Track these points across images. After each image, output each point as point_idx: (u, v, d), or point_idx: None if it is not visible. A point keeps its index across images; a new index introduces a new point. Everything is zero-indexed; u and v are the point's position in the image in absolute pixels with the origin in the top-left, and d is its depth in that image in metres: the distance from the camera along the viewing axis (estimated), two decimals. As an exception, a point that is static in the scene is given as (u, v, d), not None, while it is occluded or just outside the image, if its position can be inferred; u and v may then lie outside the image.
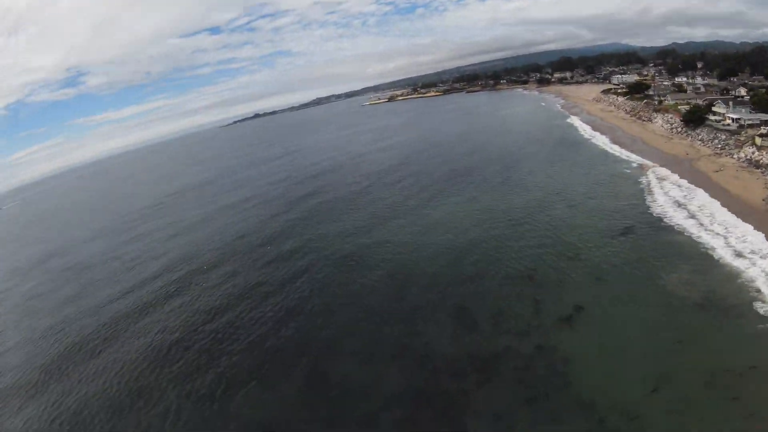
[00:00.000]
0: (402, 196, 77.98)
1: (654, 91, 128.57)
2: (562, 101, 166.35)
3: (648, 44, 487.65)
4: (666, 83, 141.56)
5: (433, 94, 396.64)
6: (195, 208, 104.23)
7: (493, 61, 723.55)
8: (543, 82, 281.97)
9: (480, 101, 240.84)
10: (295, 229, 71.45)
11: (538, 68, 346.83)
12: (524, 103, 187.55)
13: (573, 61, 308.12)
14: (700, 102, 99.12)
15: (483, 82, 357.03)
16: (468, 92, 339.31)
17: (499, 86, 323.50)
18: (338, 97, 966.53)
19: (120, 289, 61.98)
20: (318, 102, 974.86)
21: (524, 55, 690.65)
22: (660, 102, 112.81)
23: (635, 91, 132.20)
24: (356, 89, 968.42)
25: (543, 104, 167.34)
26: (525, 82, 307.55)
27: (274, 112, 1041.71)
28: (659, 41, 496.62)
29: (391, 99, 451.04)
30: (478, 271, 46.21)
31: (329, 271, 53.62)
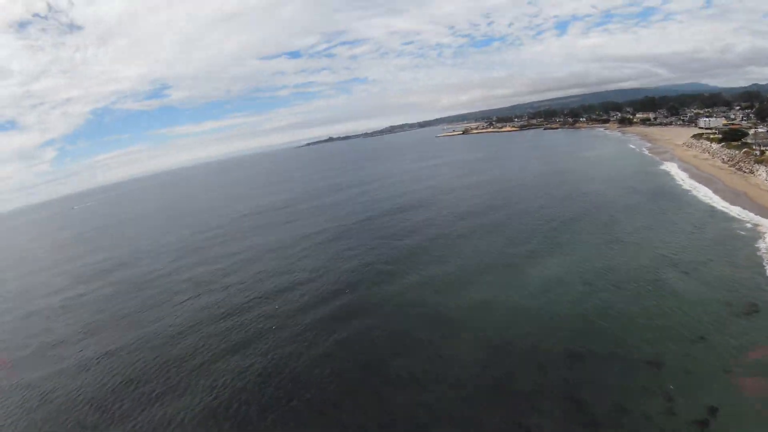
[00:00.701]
0: (493, 246, 71.26)
1: (753, 139, 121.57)
2: (649, 144, 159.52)
3: (728, 85, 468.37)
4: (762, 130, 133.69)
5: (509, 129, 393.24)
6: (266, 234, 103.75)
7: (569, 97, 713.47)
8: (624, 122, 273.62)
9: (560, 140, 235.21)
10: (376, 274, 66.64)
11: (617, 107, 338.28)
12: (609, 144, 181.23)
13: (655, 102, 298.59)
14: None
15: (561, 120, 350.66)
16: (546, 129, 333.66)
17: (578, 124, 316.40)
18: (411, 126, 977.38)
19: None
20: (391, 130, 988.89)
21: (600, 92, 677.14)
22: (762, 152, 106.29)
23: (731, 138, 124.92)
24: (429, 119, 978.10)
25: (631, 146, 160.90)
26: (606, 121, 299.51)
27: (347, 137, 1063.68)
28: (740, 82, 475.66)
29: (465, 132, 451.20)
30: (589, 349, 39.53)
31: (412, 331, 47.61)
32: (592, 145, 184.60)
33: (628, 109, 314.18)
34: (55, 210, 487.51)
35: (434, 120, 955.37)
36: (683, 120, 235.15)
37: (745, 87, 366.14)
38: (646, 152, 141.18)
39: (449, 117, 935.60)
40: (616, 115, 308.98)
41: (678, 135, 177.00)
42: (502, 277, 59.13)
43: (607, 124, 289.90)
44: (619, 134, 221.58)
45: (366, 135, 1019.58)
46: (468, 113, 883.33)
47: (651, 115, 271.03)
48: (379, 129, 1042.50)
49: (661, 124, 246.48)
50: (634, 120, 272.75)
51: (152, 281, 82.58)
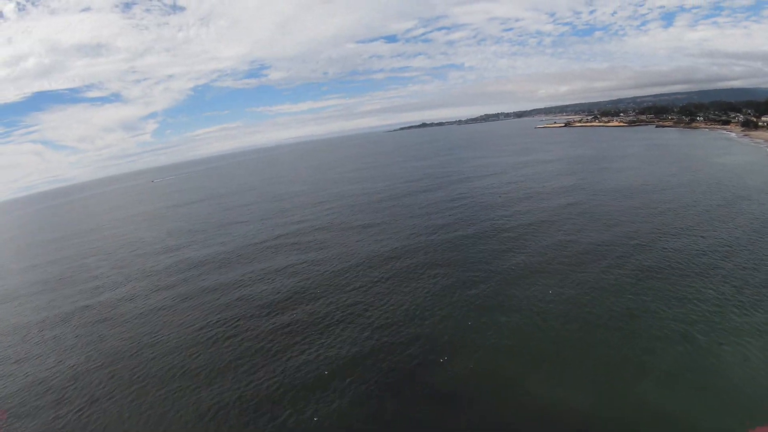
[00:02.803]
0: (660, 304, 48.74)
1: None
2: None
3: None
4: None
5: (616, 123, 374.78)
6: (359, 241, 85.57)
7: (673, 94, 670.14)
8: (749, 125, 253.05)
9: (679, 140, 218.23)
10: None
11: (733, 107, 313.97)
12: (746, 151, 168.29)
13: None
14: None
15: (675, 117, 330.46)
16: (657, 126, 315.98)
17: (695, 124, 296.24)
18: (507, 115, 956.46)
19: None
20: (486, 118, 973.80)
21: (707, 90, 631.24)
22: None
23: None
24: (525, 110, 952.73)
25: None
26: (726, 123, 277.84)
27: (441, 124, 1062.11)
28: None
29: (567, 124, 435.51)
30: None
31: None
32: (724, 149, 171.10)
33: (748, 111, 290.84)
34: (132, 183, 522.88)
35: (531, 110, 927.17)
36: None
37: None
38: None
39: (547, 108, 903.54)
40: (737, 116, 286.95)
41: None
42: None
43: (728, 126, 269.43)
44: (747, 139, 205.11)
45: (460, 122, 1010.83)
46: (567, 105, 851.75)
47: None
48: (474, 117, 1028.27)
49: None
50: (760, 123, 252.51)
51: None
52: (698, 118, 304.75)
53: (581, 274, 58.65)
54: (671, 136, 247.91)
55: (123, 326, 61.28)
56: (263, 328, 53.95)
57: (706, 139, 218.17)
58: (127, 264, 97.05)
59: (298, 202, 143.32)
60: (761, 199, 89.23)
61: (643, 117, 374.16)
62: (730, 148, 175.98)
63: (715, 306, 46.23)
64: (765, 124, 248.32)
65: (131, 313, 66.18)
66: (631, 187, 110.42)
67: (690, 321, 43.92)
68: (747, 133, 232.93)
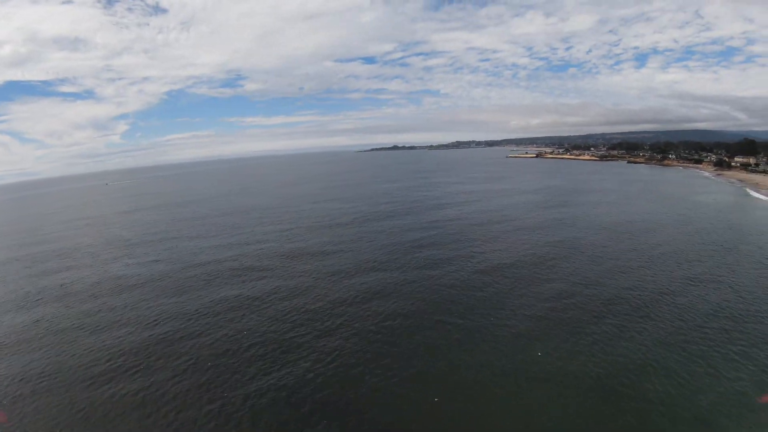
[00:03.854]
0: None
1: None
2: None
3: None
4: None
5: (587, 157, 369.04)
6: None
7: (642, 132, 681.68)
8: (722, 164, 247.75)
9: (654, 177, 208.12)
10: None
11: (702, 147, 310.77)
12: (722, 189, 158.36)
13: (756, 145, 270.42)
14: None
15: (648, 154, 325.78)
16: (629, 162, 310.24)
17: (667, 161, 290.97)
18: (478, 143, 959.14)
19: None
20: (457, 145, 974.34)
21: (675, 130, 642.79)
22: None
23: None
24: (496, 139, 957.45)
25: (754, 194, 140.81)
26: (698, 162, 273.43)
27: (413, 147, 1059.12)
28: None
29: (539, 155, 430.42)
30: None
31: None
32: (703, 187, 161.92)
33: (720, 151, 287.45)
34: (89, 184, 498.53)
35: (502, 140, 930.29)
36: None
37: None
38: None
39: (518, 139, 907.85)
40: (709, 156, 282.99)
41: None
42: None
43: (701, 165, 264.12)
44: (722, 179, 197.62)
45: (431, 147, 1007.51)
46: (538, 137, 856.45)
47: (752, 160, 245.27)
48: (446, 143, 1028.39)
49: (765, 171, 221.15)
50: (733, 163, 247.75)
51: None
52: (670, 156, 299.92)
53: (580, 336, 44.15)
54: (645, 172, 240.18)
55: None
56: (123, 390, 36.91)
57: (682, 177, 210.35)
58: (39, 275, 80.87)
59: (254, 219, 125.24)
60: (757, 241, 79.83)
61: (615, 152, 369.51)
62: (708, 187, 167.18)
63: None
64: (738, 164, 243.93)
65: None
66: (618, 224, 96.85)
67: None
68: (720, 172, 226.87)
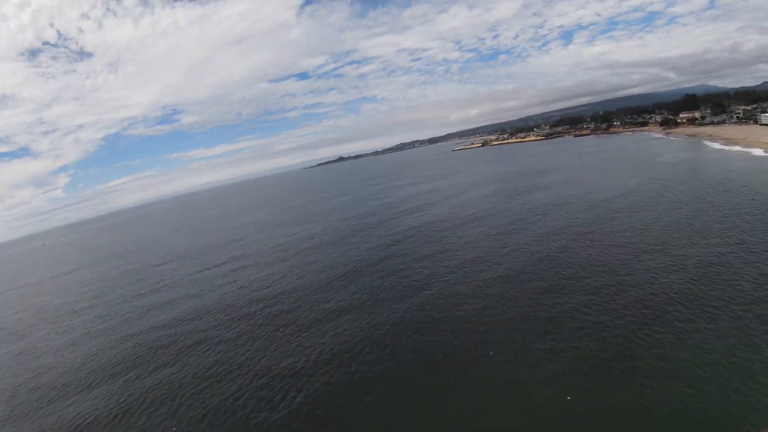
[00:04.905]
0: None
1: None
2: (738, 147, 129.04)
3: (736, 85, 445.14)
4: None
5: (533, 138, 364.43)
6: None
7: (578, 107, 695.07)
8: (669, 123, 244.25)
9: (607, 146, 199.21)
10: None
11: (643, 110, 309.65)
12: (679, 146, 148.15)
13: (697, 100, 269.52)
14: None
15: (592, 125, 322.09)
16: (576, 136, 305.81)
17: (613, 129, 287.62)
18: (422, 142, 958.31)
19: None
20: (402, 147, 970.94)
21: (610, 99, 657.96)
22: None
23: None
24: (439, 135, 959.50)
25: (714, 146, 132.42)
26: (644, 124, 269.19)
27: (358, 156, 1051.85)
28: (747, 81, 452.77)
29: (484, 144, 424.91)
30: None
31: None
32: (661, 148, 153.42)
33: (661, 111, 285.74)
34: (24, 247, 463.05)
35: (445, 135, 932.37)
36: (738, 117, 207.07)
37: (756, 85, 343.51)
38: (760, 152, 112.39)
39: (460, 132, 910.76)
40: (653, 117, 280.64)
41: (750, 132, 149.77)
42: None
43: (647, 127, 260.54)
44: (674, 137, 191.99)
45: (377, 153, 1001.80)
46: (479, 127, 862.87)
47: (697, 114, 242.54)
48: (390, 146, 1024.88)
49: (712, 123, 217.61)
50: (679, 120, 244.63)
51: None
52: (615, 124, 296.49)
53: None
54: (596, 143, 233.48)
55: None
56: None
57: (633, 141, 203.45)
58: None
59: (196, 263, 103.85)
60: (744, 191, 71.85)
61: (559, 129, 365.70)
62: (666, 146, 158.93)
63: None
64: (684, 120, 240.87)
65: None
66: (603, 202, 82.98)
67: None
68: (669, 130, 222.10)
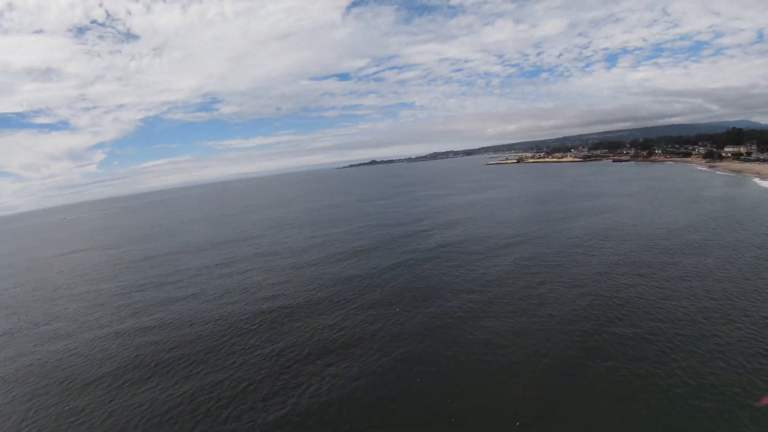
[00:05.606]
0: None
1: None
2: None
3: None
4: None
5: (570, 159, 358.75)
6: None
7: (617, 131, 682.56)
8: (713, 156, 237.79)
9: (651, 174, 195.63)
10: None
11: (686, 140, 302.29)
12: (725, 182, 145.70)
13: (744, 134, 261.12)
14: None
15: (632, 151, 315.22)
16: (614, 161, 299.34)
17: (654, 157, 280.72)
18: (456, 153, 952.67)
19: None
20: (435, 156, 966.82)
21: (650, 127, 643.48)
22: None
23: None
24: (474, 148, 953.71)
25: (762, 184, 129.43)
26: (686, 155, 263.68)
27: (390, 161, 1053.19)
28: None
29: (520, 160, 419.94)
30: None
31: None
32: (705, 182, 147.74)
33: (705, 143, 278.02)
34: (46, 219, 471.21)
35: (479, 148, 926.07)
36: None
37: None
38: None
39: (495, 146, 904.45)
40: (695, 148, 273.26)
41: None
42: None
43: (689, 158, 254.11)
44: (719, 172, 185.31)
45: (410, 160, 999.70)
46: (515, 143, 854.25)
47: (742, 149, 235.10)
48: (424, 154, 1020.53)
49: (758, 160, 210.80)
50: (723, 154, 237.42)
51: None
52: (656, 152, 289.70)
53: None
54: (636, 170, 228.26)
55: None
56: None
57: (675, 172, 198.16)
58: None
59: (196, 260, 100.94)
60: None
61: (597, 152, 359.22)
62: (709, 180, 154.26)
63: None
64: (728, 154, 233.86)
65: None
66: (657, 237, 77.32)
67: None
68: (713, 164, 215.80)
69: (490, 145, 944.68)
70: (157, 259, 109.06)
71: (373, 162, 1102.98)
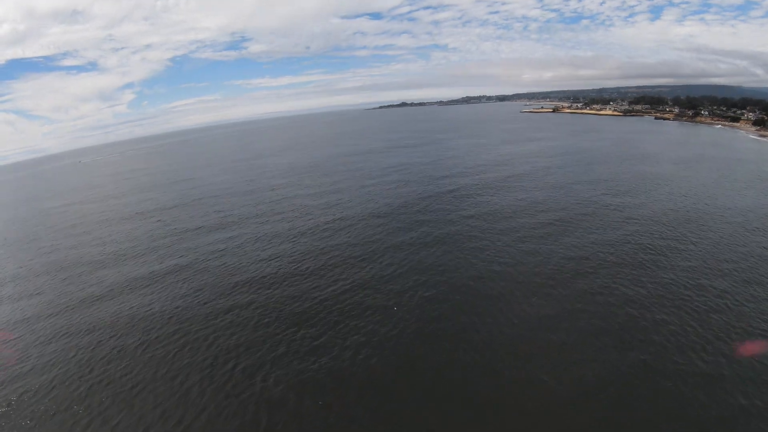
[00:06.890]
0: None
1: None
2: None
3: None
4: None
5: (608, 112, 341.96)
6: None
7: (659, 86, 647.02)
8: (763, 124, 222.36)
9: (700, 138, 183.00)
10: None
11: (732, 103, 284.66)
12: None
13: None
14: None
15: (676, 110, 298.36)
16: (657, 118, 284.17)
17: (699, 118, 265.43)
18: (489, 98, 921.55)
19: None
20: (467, 101, 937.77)
21: (691, 85, 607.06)
22: None
23: None
24: (507, 94, 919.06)
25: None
26: (735, 120, 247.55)
27: (422, 104, 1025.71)
28: None
29: (555, 110, 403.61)
30: None
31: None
32: (760, 154, 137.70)
33: (754, 109, 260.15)
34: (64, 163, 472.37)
35: (513, 95, 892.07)
36: None
37: None
38: None
39: (530, 93, 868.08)
40: (743, 113, 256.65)
41: None
42: None
43: (738, 123, 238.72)
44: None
45: (441, 103, 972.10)
46: (551, 91, 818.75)
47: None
48: (455, 98, 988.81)
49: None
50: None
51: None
52: (703, 113, 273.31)
53: None
54: (682, 131, 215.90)
55: None
56: None
57: (726, 138, 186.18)
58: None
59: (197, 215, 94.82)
60: None
61: (638, 107, 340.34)
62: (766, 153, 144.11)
63: None
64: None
65: None
66: (722, 229, 64.85)
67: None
68: (763, 132, 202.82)
69: (524, 92, 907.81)
70: (153, 215, 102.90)
71: (404, 104, 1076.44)
